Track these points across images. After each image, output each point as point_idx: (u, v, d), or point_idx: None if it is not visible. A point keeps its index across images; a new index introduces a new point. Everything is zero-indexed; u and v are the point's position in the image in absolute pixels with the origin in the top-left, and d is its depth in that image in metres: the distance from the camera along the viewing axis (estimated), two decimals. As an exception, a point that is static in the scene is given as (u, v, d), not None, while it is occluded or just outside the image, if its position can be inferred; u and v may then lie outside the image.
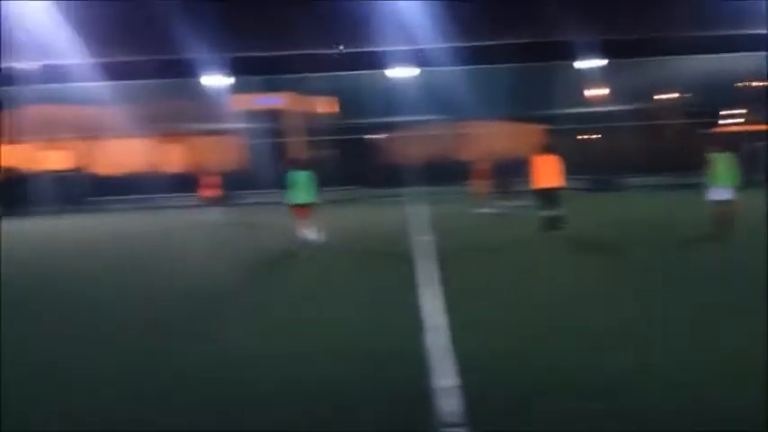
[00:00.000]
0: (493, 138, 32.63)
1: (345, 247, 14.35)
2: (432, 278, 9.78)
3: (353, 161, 34.96)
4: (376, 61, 33.06)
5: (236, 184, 31.49)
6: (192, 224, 21.74)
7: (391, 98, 34.37)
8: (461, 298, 8.45)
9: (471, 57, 32.23)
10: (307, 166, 15.46)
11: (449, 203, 25.19)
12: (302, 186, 14.60)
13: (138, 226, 23.02)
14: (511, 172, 22.07)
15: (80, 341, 7.19)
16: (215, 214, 22.63)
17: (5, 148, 35.66)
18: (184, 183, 34.50)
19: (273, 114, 36.42)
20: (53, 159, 35.03)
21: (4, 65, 31.33)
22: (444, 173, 31.97)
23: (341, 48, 31.56)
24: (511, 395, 5.00)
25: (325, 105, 36.98)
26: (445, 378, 5.32)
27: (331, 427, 4.59)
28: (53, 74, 32.23)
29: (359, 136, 36.91)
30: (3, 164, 35.00)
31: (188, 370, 5.94)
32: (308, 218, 14.64)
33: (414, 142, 35.05)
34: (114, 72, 32.44)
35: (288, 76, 34.84)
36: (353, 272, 11.36)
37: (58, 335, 7.60)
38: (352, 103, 35.78)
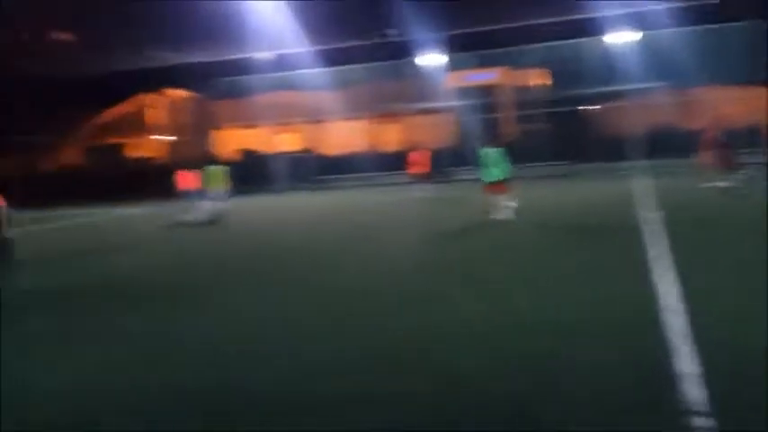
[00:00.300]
0: (722, 105, 29.51)
1: (564, 223, 14.01)
2: (662, 258, 9.16)
3: (569, 134, 33.58)
4: (593, 27, 31.51)
5: (448, 160, 32.21)
6: (403, 200, 22.61)
7: (609, 66, 32.57)
8: (699, 281, 7.80)
9: (697, 17, 29.47)
10: (500, 143, 15.55)
11: (674, 177, 23.35)
12: (494, 163, 14.64)
13: (359, 201, 24.50)
14: (742, 142, 19.86)
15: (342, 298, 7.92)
16: (424, 190, 23.26)
17: (244, 131, 39.91)
18: (399, 161, 36.04)
19: (486, 90, 36.33)
20: (285, 142, 38.45)
21: (242, 55, 34.94)
22: (668, 144, 29.66)
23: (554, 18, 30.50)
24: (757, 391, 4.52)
25: (537, 78, 35.99)
26: (688, 364, 5.02)
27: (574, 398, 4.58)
28: (284, 62, 35.33)
29: (574, 108, 35.43)
30: (242, 146, 39.21)
31: (427, 339, 6.24)
32: (502, 194, 14.63)
33: (634, 112, 32.82)
34: (337, 57, 34.72)
35: (501, 50, 34.60)
36: (576, 249, 11.04)
37: (316, 292, 8.44)
38: (566, 73, 34.40)
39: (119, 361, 6.17)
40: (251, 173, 36.19)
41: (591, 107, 35.95)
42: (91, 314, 8.27)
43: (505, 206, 14.55)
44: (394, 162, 35.54)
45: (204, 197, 19.33)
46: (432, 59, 35.86)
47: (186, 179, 20.21)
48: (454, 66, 36.53)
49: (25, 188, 32.73)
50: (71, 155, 42.36)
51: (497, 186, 14.64)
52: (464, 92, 36.34)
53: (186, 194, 20.11)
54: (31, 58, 31.89)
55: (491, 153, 14.81)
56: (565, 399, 4.59)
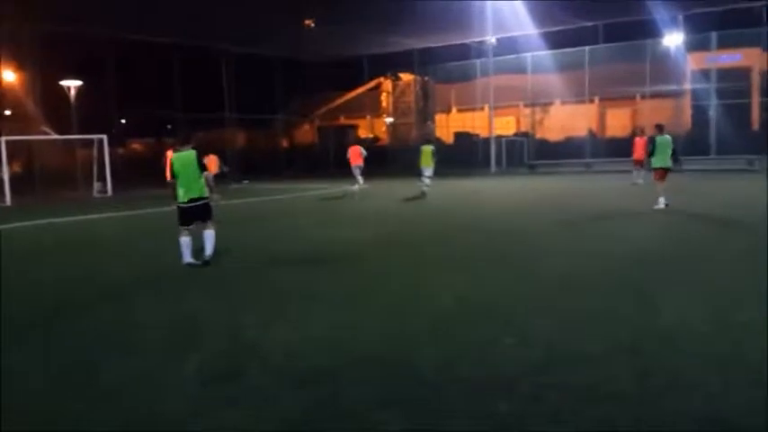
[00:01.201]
0: None
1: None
2: None
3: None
4: None
5: (679, 149, 29.89)
6: (621, 187, 21.45)
7: None
8: None
9: None
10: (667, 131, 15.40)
11: None
12: (663, 151, 14.67)
13: (575, 187, 23.74)
14: None
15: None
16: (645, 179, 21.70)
17: (463, 114, 40.56)
18: (625, 147, 34.29)
19: (730, 73, 33.00)
20: (502, 125, 38.43)
21: (470, 40, 35.53)
22: None
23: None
24: None
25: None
26: None
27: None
28: (508, 45, 35.30)
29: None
30: (460, 128, 39.99)
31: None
32: (665, 182, 14.68)
33: None
34: (564, 39, 33.88)
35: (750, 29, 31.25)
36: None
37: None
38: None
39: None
40: (467, 155, 36.89)
41: None
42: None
43: (666, 194, 14.55)
44: (618, 148, 33.98)
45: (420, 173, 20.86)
46: (671, 39, 33.40)
47: (355, 155, 23.13)
48: (695, 46, 33.67)
49: (263, 162, 36.65)
50: (305, 133, 46.42)
51: (662, 173, 14.75)
52: (705, 74, 33.40)
53: (356, 169, 22.95)
54: (275, 42, 35.32)
55: (662, 141, 14.78)
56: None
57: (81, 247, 12.79)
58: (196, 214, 8.96)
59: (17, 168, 29.06)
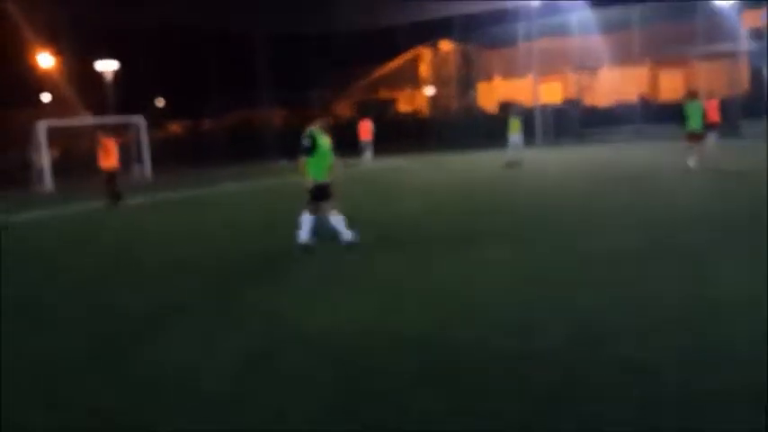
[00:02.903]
0: None
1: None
2: None
3: None
4: None
5: (738, 111, 28.15)
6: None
7: None
8: None
9: None
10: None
11: None
12: (694, 116, 15.94)
13: (622, 155, 22.48)
14: None
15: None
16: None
17: (507, 82, 39.07)
18: (675, 111, 32.50)
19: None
20: (549, 92, 36.75)
21: (512, 3, 33.89)
22: None
23: None
24: None
25: None
26: None
27: None
28: (552, 6, 33.49)
29: None
30: (504, 97, 38.47)
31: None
32: (698, 145, 15.91)
33: None
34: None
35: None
36: None
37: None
38: None
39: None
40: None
41: None
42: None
43: (695, 157, 15.71)
44: (672, 113, 32.24)
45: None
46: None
47: (365, 129, 25.14)
48: (751, 4, 31.51)
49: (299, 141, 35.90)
50: (343, 108, 45.51)
51: (694, 137, 16.01)
52: (761, 33, 31.27)
53: (364, 145, 24.73)
54: (308, 15, 34.31)
55: (693, 106, 16.14)
56: None
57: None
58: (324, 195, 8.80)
59: (56, 153, 28.95)
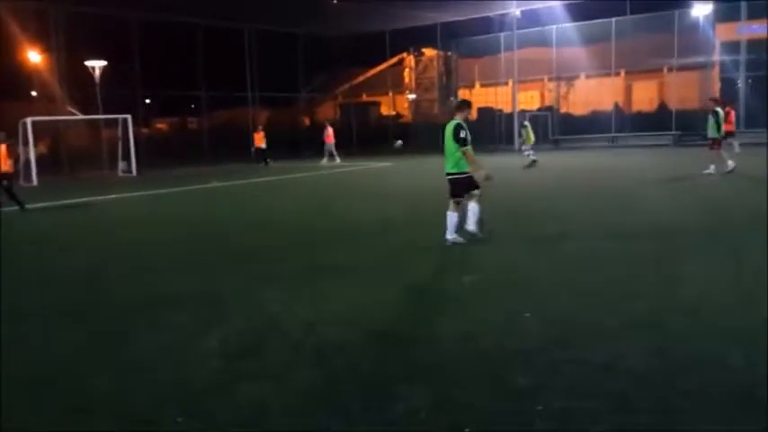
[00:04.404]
0: None
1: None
2: None
3: None
4: None
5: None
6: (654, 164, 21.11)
7: None
8: None
9: None
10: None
11: None
12: (716, 123, 16.75)
13: (599, 162, 23.43)
14: None
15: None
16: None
17: (486, 89, 40.04)
18: (651, 120, 33.69)
19: (760, 44, 32.05)
20: (526, 99, 37.87)
21: (493, 13, 34.88)
22: None
23: None
24: None
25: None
26: None
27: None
28: (532, 18, 34.60)
29: None
30: (483, 104, 39.45)
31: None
32: (716, 151, 16.67)
33: None
34: (589, 11, 33.14)
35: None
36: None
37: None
38: None
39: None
40: (490, 130, 36.40)
41: None
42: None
43: (715, 163, 16.38)
44: (644, 123, 33.42)
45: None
46: (699, 9, 32.46)
47: (330, 135, 29.46)
48: (724, 17, 32.74)
49: (283, 141, 36.44)
50: (326, 111, 46.13)
51: (715, 143, 16.82)
52: (734, 46, 32.53)
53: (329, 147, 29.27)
54: (297, 19, 34.93)
55: (716, 113, 16.91)
56: None
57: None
58: (453, 188, 8.66)
59: (43, 149, 29.29)
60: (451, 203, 8.69)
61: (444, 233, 8.61)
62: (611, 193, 14.43)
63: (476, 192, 8.63)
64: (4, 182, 14.13)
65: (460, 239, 8.60)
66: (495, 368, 4.32)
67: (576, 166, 22.30)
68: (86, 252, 9.86)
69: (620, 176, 17.80)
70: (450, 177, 8.68)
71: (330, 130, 29.91)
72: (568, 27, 35.06)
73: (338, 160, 29.09)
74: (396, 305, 6.03)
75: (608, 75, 35.77)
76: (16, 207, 14.55)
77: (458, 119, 8.67)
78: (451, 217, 8.60)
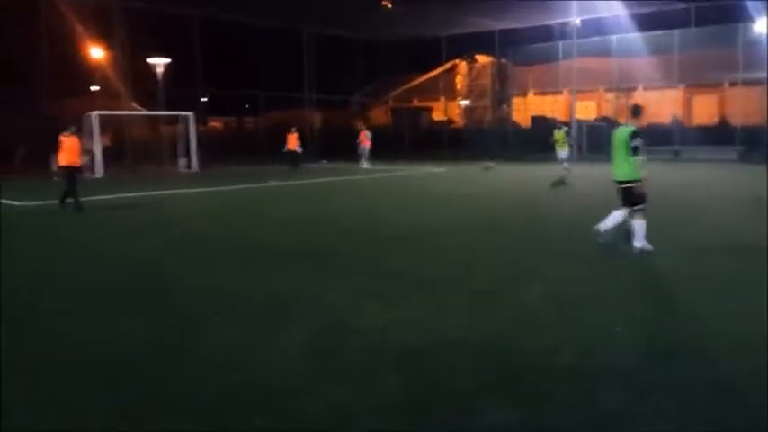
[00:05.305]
0: None
1: None
2: None
3: None
4: None
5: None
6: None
7: None
8: None
9: None
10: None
11: None
12: None
13: (693, 177, 22.91)
14: None
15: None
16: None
17: (542, 98, 39.71)
18: (711, 135, 33.00)
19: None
20: (582, 109, 37.37)
21: (554, 21, 34.60)
22: None
23: None
24: None
25: None
26: None
27: None
28: (593, 27, 34.23)
29: None
30: (538, 112, 39.14)
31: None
32: None
33: None
34: (653, 21, 32.63)
35: None
36: None
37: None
38: None
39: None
40: (544, 140, 35.96)
41: None
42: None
43: None
44: (705, 136, 32.75)
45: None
46: (763, 24, 31.73)
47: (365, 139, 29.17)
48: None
49: (337, 143, 36.56)
50: (378, 115, 46.28)
51: None
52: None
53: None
54: (355, 24, 35.17)
55: None
56: None
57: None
58: (624, 198, 8.28)
59: (107, 142, 29.89)
60: (626, 212, 8.30)
61: (629, 242, 8.25)
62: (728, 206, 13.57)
63: (641, 205, 8.19)
64: (75, 174, 14.19)
65: (649, 247, 8.14)
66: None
67: (668, 179, 21.00)
68: (189, 245, 9.94)
69: (720, 191, 17.11)
70: (623, 186, 8.26)
71: (366, 134, 29.72)
72: (630, 37, 34.55)
73: (365, 165, 28.50)
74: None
75: (668, 87, 35.14)
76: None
77: (632, 125, 8.38)
78: (638, 225, 8.16)
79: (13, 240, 10.27)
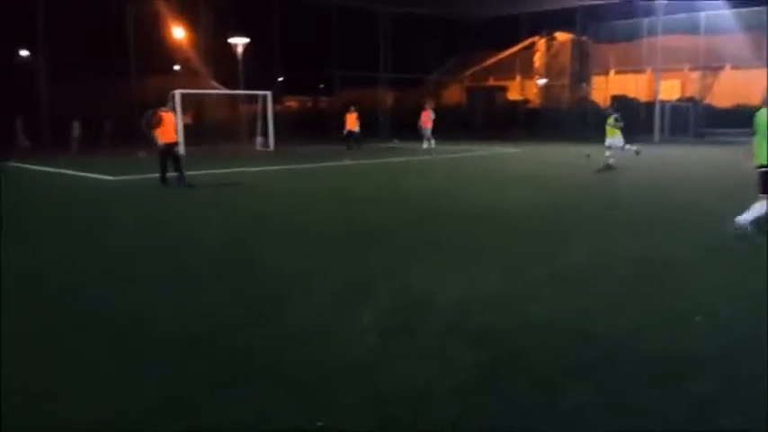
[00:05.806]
0: None
1: None
2: None
3: None
4: None
5: None
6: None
7: None
8: None
9: None
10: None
11: None
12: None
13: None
14: None
15: None
16: None
17: (623, 77, 38.38)
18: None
19: None
20: (666, 89, 35.88)
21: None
22: None
23: None
24: None
25: None
26: None
27: None
28: (680, 4, 32.68)
29: None
30: (618, 92, 37.82)
31: None
32: None
33: None
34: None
35: None
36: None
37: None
38: None
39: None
40: (625, 120, 34.78)
41: None
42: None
43: None
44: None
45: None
46: None
47: (427, 120, 26.39)
48: None
49: (409, 122, 36.43)
50: (452, 94, 45.85)
51: None
52: None
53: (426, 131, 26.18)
54: (431, 1, 34.83)
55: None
56: None
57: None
58: (763, 183, 7.60)
59: (188, 119, 30.88)
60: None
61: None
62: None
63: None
64: (174, 149, 14.62)
65: (747, 226, 7.71)
66: None
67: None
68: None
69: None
70: (763, 170, 7.54)
71: (428, 113, 26.61)
72: (718, 14, 32.86)
73: (425, 145, 25.79)
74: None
75: (758, 67, 33.29)
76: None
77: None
78: (759, 206, 7.64)
79: (108, 214, 10.83)
